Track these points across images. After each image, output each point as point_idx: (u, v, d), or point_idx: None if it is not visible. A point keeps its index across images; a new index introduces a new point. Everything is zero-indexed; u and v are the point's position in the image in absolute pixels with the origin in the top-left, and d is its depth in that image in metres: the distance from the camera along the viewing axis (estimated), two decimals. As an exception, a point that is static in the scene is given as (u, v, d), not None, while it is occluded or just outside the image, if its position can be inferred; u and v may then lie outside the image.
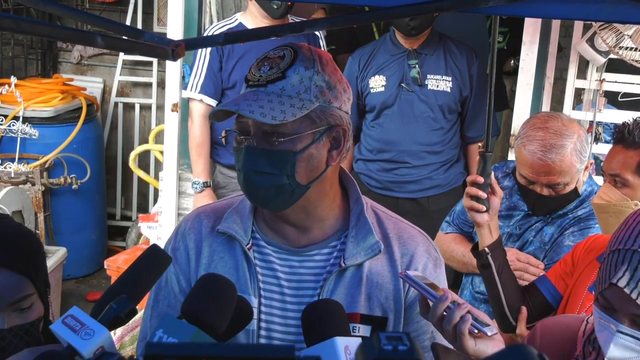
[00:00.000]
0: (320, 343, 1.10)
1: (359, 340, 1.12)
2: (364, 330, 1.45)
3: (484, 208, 2.01)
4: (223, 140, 1.46)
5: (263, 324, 1.45)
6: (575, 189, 2.27)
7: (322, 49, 3.42)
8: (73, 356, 1.03)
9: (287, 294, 1.45)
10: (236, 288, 1.18)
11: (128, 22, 5.19)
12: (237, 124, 1.40)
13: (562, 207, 2.31)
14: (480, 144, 3.24)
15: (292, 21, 3.34)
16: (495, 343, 1.31)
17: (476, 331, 1.30)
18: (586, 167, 2.29)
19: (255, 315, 1.44)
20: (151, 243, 3.97)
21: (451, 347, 1.35)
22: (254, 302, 1.44)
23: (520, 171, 2.29)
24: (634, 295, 1.25)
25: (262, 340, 1.45)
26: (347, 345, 1.08)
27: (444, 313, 1.32)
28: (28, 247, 1.46)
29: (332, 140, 1.41)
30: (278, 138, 1.35)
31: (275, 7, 3.22)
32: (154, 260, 1.20)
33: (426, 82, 3.20)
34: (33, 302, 1.44)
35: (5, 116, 4.48)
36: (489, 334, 1.30)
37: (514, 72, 4.49)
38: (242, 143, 1.39)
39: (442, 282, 1.51)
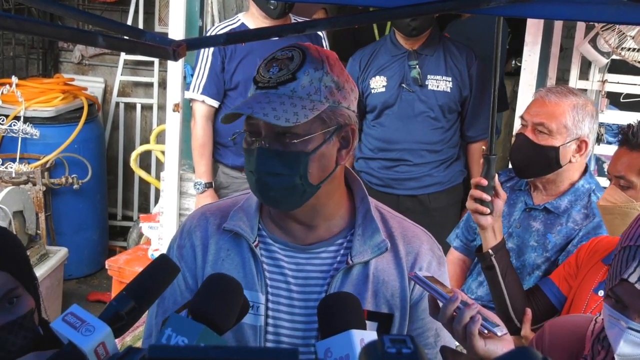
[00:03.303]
0: (336, 335, 1.10)
1: (374, 333, 1.12)
2: (370, 326, 1.46)
3: (488, 210, 2.02)
4: (232, 141, 1.47)
5: (270, 321, 1.46)
6: (557, 156, 2.26)
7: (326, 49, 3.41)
8: (84, 356, 1.03)
9: (294, 291, 1.47)
10: (242, 286, 1.19)
11: (129, 22, 5.18)
12: (247, 125, 1.40)
13: (540, 166, 2.30)
14: (483, 147, 3.25)
15: (294, 21, 3.34)
16: (505, 343, 1.31)
17: (486, 331, 1.29)
18: (579, 148, 2.29)
19: (262, 312, 1.45)
20: (152, 243, 3.99)
21: (456, 343, 1.35)
22: (261, 299, 1.45)
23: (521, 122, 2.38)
24: None
25: (270, 337, 1.46)
26: (362, 338, 1.09)
27: (454, 313, 1.32)
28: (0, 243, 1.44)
29: (342, 139, 1.43)
30: (291, 139, 1.35)
31: (272, 7, 3.22)
32: (162, 270, 1.20)
33: (426, 83, 3.21)
34: (20, 295, 1.43)
35: (7, 116, 4.48)
36: (498, 334, 1.29)
37: (516, 72, 4.49)
38: (252, 144, 1.39)
39: (445, 280, 1.53)
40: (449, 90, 3.22)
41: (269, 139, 1.37)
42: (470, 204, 2.06)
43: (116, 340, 1.08)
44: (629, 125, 2.04)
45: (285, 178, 1.37)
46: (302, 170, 1.37)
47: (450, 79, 3.22)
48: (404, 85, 3.20)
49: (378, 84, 3.25)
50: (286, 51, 1.40)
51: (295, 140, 1.35)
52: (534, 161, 2.30)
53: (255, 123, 1.38)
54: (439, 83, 3.22)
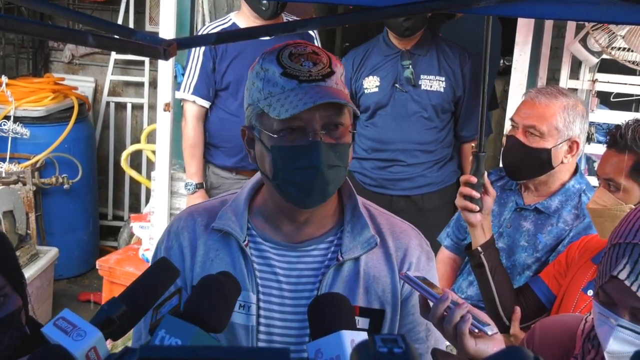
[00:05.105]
0: (326, 336, 1.10)
1: (365, 334, 1.12)
2: (363, 323, 1.46)
3: (477, 208, 2.03)
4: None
5: (262, 320, 1.46)
6: (549, 157, 2.27)
7: None
8: (69, 354, 1.02)
9: (286, 290, 1.46)
10: (239, 285, 1.19)
11: (120, 22, 5.17)
12: (287, 121, 1.34)
13: (532, 168, 2.31)
14: (473, 144, 3.26)
15: (286, 20, 3.33)
16: (495, 342, 1.31)
17: (476, 330, 1.29)
18: (571, 149, 2.29)
19: (254, 312, 1.45)
20: (143, 243, 3.97)
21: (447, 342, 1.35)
22: (253, 299, 1.45)
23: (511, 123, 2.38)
24: (634, 288, 1.25)
25: (262, 336, 1.46)
26: (353, 338, 1.08)
27: (445, 313, 1.33)
28: None
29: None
30: (341, 130, 1.38)
31: (264, 8, 3.21)
32: (160, 273, 1.19)
33: (420, 83, 3.20)
34: (7, 294, 1.42)
35: (-4, 116, 4.46)
36: (489, 333, 1.30)
37: (505, 72, 4.50)
38: (298, 140, 1.36)
39: (434, 275, 1.54)
40: (442, 90, 3.21)
41: (320, 132, 1.35)
42: (459, 202, 2.06)
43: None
44: (617, 127, 2.04)
45: (340, 170, 1.40)
46: (346, 160, 1.40)
47: (443, 78, 3.22)
48: (397, 85, 3.20)
49: (371, 84, 3.24)
50: (302, 47, 1.40)
51: (344, 131, 1.38)
52: (526, 163, 2.30)
53: (303, 117, 1.33)
54: (432, 83, 3.21)
